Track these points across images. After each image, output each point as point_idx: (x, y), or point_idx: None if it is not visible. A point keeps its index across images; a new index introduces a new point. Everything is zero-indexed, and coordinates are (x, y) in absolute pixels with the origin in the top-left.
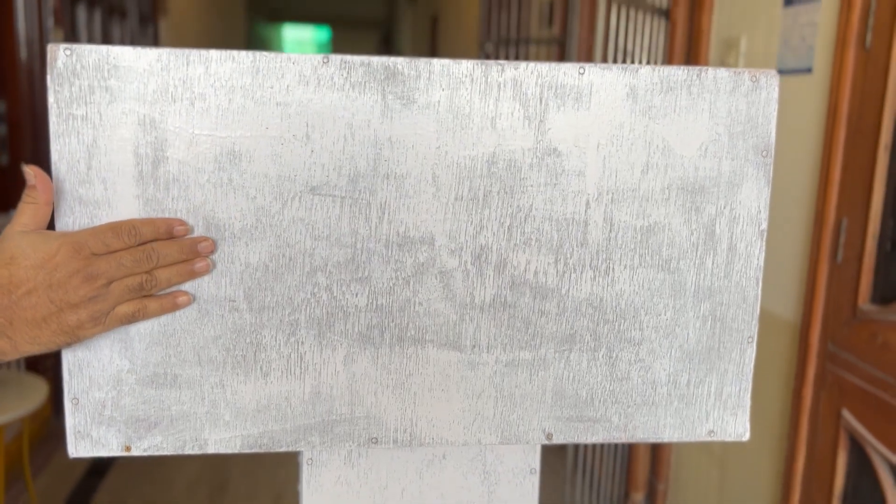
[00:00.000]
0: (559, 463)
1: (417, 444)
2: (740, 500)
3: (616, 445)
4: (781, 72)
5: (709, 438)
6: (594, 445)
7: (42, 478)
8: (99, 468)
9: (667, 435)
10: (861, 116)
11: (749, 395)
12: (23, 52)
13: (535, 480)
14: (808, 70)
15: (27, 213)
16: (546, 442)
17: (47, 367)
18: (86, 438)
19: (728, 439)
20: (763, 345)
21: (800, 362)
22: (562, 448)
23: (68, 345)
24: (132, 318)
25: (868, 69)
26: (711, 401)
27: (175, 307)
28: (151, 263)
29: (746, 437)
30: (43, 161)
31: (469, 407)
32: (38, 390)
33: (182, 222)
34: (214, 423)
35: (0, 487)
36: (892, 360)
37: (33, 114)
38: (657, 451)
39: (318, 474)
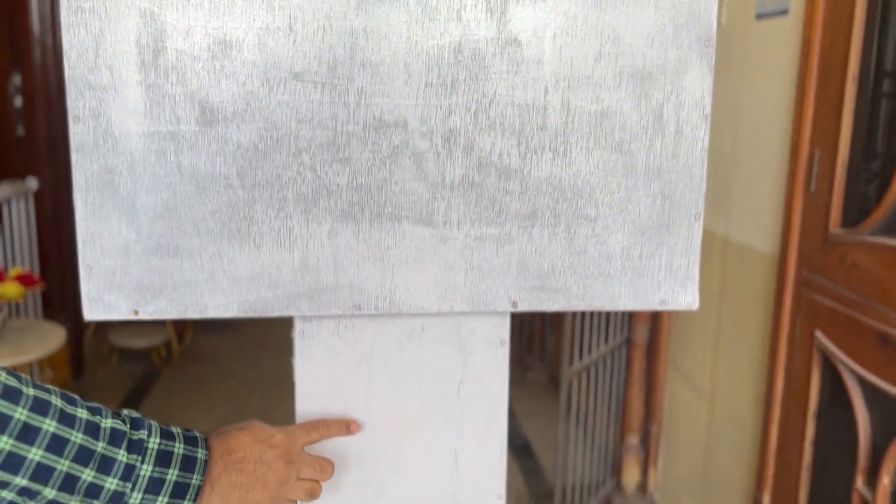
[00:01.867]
0: (553, 408)
1: (397, 311)
2: (728, 432)
3: (611, 390)
4: (761, 15)
5: (661, 307)
6: (588, 391)
7: None
8: None
9: (622, 303)
10: (832, 49)
11: (697, 268)
12: (36, 26)
13: (506, 351)
14: (785, 12)
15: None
16: (512, 309)
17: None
18: (99, 303)
19: (678, 308)
20: (743, 279)
21: (778, 291)
22: (556, 393)
23: None
24: None
25: (837, 4)
26: (662, 273)
27: None
28: (324, 475)
29: (695, 306)
30: (57, 131)
31: (442, 278)
32: (56, 335)
33: (356, 423)
34: (213, 289)
35: None
36: (859, 277)
37: (47, 86)
38: (651, 395)
39: (309, 345)
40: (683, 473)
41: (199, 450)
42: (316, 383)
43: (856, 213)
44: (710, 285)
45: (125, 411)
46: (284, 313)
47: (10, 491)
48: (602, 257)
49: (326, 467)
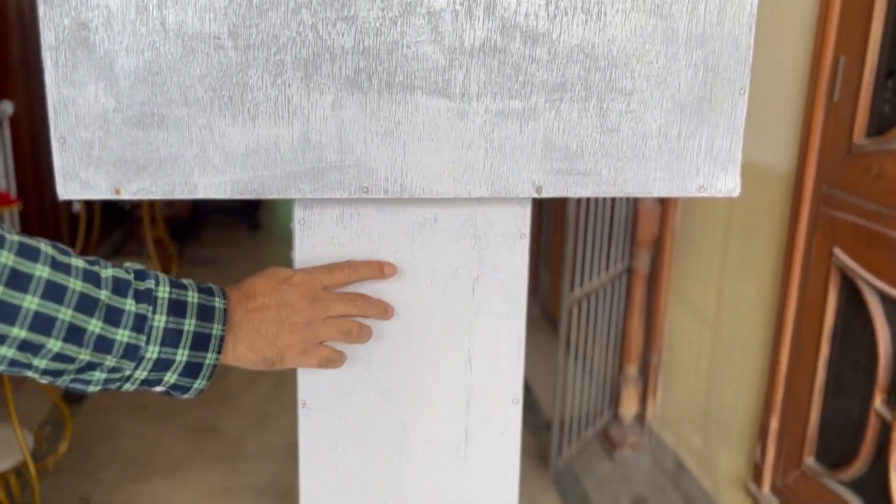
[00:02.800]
0: (548, 343)
1: (408, 195)
2: (732, 359)
3: (610, 319)
4: None
5: (699, 194)
6: (588, 320)
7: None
8: None
9: (657, 189)
10: None
11: (740, 150)
12: None
13: (525, 245)
14: None
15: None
16: (535, 195)
17: None
18: (75, 180)
19: (718, 195)
20: (754, 200)
21: (793, 209)
22: (551, 328)
23: (267, 365)
24: (327, 363)
25: None
26: (702, 155)
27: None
28: (357, 309)
29: (737, 192)
30: (32, 53)
31: (459, 158)
32: None
33: (391, 265)
34: (203, 166)
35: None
36: (886, 188)
37: (20, 5)
38: (651, 324)
39: (310, 235)
40: (683, 403)
41: (216, 298)
42: None
43: (883, 122)
44: (716, 210)
45: (126, 263)
46: (283, 195)
47: (10, 346)
48: (637, 136)
49: (357, 300)
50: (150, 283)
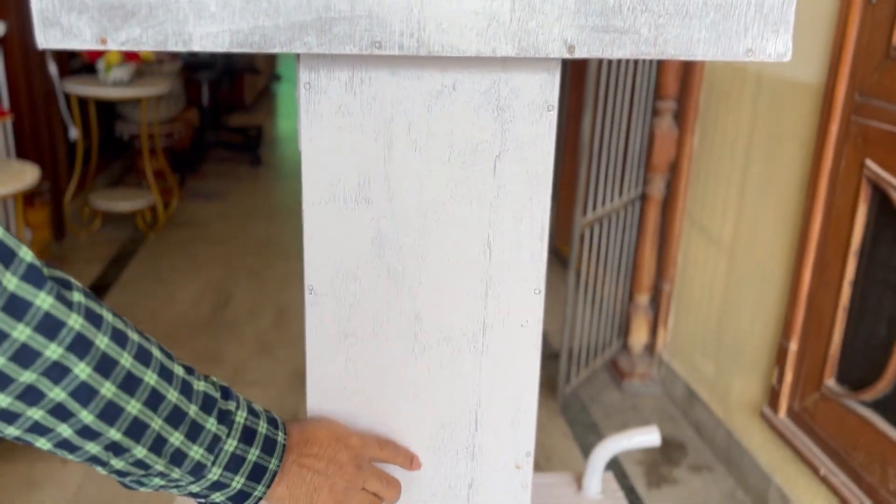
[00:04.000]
0: (555, 276)
1: (426, 51)
2: (749, 283)
3: (622, 248)
4: None
5: (746, 58)
6: (600, 246)
7: None
8: (101, 285)
9: (700, 51)
10: None
11: (793, 10)
12: None
13: (553, 119)
14: None
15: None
16: (567, 55)
17: (43, 190)
18: (55, 27)
19: (767, 59)
20: (778, 116)
21: (822, 120)
22: (557, 262)
23: None
24: None
25: None
26: (752, 13)
27: None
28: (389, 494)
29: (788, 57)
30: None
31: (483, 10)
32: (29, 173)
33: (418, 460)
34: (199, 14)
35: None
36: None
37: None
38: (664, 251)
39: (316, 102)
40: (695, 331)
41: (279, 433)
42: (325, 151)
43: None
44: (738, 130)
45: (213, 378)
46: (287, 49)
47: (98, 444)
48: None
49: (394, 485)
50: (232, 406)
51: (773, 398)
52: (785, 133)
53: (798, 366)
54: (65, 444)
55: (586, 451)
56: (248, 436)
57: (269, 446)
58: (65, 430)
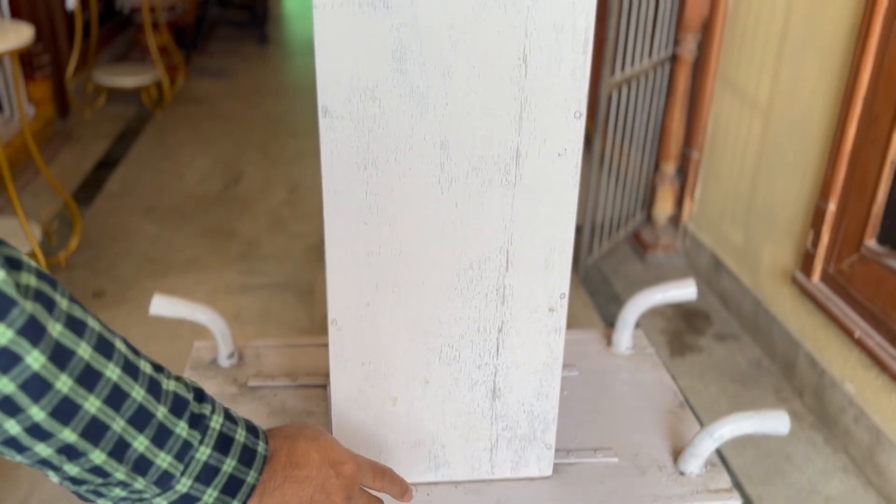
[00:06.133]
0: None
1: None
2: (784, 148)
3: (649, 114)
4: None
5: None
6: (626, 115)
7: (51, 170)
8: (107, 162)
9: None
10: None
11: None
12: None
13: None
14: None
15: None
16: None
17: (43, 63)
18: None
19: None
20: None
21: None
22: (587, 134)
23: None
24: None
25: None
26: None
27: None
28: None
29: None
30: None
31: None
32: (24, 31)
33: (410, 494)
34: None
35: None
36: None
37: None
38: (694, 117)
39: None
40: (725, 199)
41: (260, 442)
42: None
43: None
44: None
45: (185, 378)
46: None
47: (50, 447)
48: None
49: None
50: (207, 409)
51: (806, 263)
52: None
53: (836, 227)
54: (11, 444)
55: (608, 321)
56: (223, 444)
57: (247, 457)
58: (12, 428)
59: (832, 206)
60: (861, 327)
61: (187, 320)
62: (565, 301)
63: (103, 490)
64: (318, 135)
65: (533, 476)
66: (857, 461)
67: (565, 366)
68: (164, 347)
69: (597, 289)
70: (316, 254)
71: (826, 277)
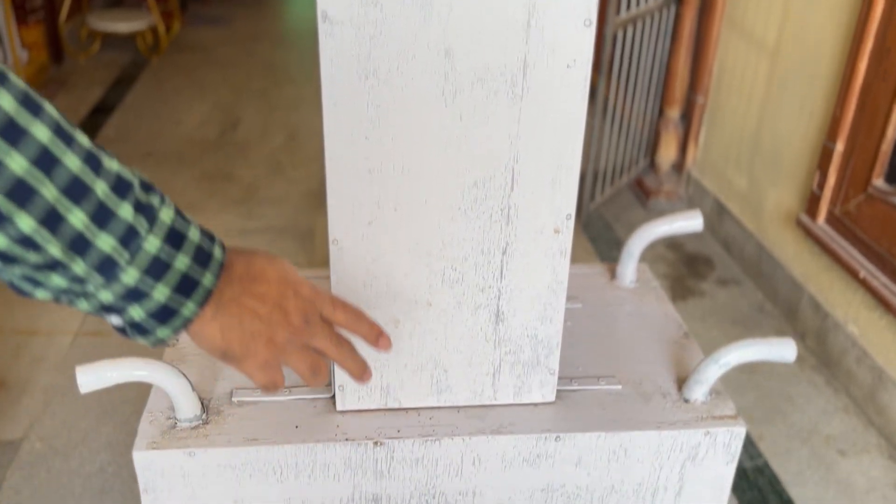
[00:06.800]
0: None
1: None
2: (791, 89)
3: (654, 58)
4: None
5: None
6: (630, 57)
7: None
8: (103, 107)
9: None
10: None
11: None
12: None
13: None
14: None
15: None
16: None
17: (36, 7)
18: None
19: None
20: None
21: None
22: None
23: (219, 355)
24: (272, 388)
25: None
26: None
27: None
28: (338, 355)
29: None
30: None
31: None
32: None
33: (386, 339)
34: None
35: None
36: None
37: None
38: (699, 60)
39: None
40: (729, 144)
41: (216, 247)
42: None
43: None
44: None
45: (134, 169)
46: None
47: None
48: None
49: (343, 346)
50: (155, 200)
51: (811, 205)
52: None
53: (843, 167)
54: None
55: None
56: (175, 239)
57: (202, 257)
58: None
59: (840, 146)
60: (866, 268)
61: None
62: (571, 222)
63: (39, 276)
64: (318, 43)
65: (536, 402)
66: (858, 401)
67: (569, 298)
68: None
69: (598, 235)
70: (315, 198)
71: (831, 219)
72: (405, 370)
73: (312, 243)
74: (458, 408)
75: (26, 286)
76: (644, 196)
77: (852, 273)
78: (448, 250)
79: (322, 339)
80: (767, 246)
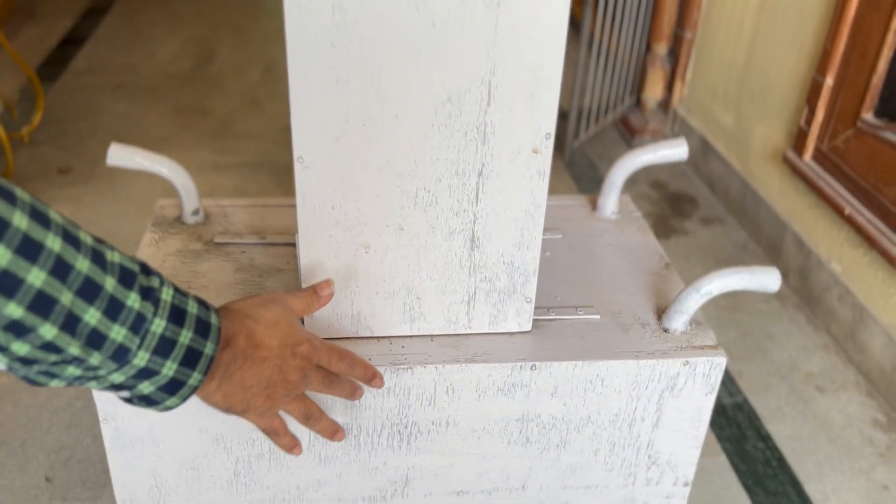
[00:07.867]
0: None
1: None
2: (781, 23)
3: None
4: None
5: None
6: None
7: (14, 46)
8: (73, 39)
9: None
10: None
11: None
12: None
13: None
14: None
15: (304, 300)
16: None
17: None
18: None
19: None
20: None
21: None
22: (574, 25)
23: (222, 411)
24: (271, 434)
25: None
26: None
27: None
28: (334, 392)
29: None
30: None
31: None
32: None
33: (379, 380)
34: None
35: None
36: None
37: None
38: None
39: None
40: (717, 80)
41: (212, 314)
42: None
43: None
44: None
45: (127, 254)
46: None
47: None
48: None
49: (335, 384)
50: (155, 282)
51: (798, 141)
52: None
53: (832, 102)
54: None
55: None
56: (177, 316)
57: (202, 328)
58: None
59: (829, 80)
60: (851, 205)
61: (147, 173)
62: (551, 142)
63: (55, 370)
64: None
65: (511, 331)
66: (838, 339)
67: (548, 229)
68: (135, 224)
69: (582, 173)
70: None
71: (818, 155)
72: (376, 297)
73: (289, 178)
74: (432, 336)
75: (42, 379)
76: (629, 134)
77: (837, 210)
78: (421, 170)
79: (316, 385)
80: (753, 184)
